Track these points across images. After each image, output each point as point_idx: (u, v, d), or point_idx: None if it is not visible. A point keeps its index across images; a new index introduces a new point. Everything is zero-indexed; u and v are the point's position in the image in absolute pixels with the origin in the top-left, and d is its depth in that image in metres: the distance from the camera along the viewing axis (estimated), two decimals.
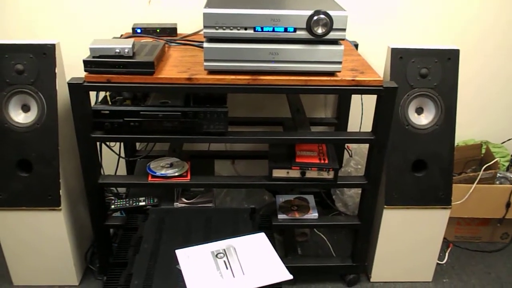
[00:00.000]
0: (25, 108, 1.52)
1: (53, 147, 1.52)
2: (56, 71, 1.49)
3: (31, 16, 1.86)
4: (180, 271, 1.22)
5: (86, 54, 1.36)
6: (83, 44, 1.79)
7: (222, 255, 1.28)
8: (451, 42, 1.97)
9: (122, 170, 2.03)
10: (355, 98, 1.99)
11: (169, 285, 1.19)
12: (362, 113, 2.00)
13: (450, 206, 1.66)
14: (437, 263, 1.83)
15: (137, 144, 2.06)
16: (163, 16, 1.88)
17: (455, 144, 1.83)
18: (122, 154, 1.95)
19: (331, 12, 1.29)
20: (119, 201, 1.63)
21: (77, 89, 1.37)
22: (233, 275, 1.21)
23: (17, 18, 1.87)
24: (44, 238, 1.62)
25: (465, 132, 2.15)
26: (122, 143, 1.96)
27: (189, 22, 1.88)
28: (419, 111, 1.61)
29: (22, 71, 1.48)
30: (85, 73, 1.36)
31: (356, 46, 1.85)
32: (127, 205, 1.60)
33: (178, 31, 1.82)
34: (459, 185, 1.87)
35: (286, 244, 1.90)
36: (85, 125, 1.42)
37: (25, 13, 1.86)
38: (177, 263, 1.25)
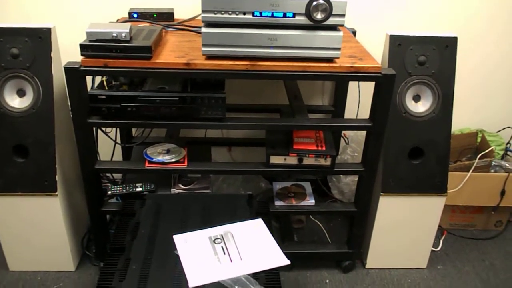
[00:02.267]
0: (21, 93, 1.51)
1: (49, 132, 1.51)
2: (52, 55, 1.47)
3: (27, 0, 1.84)
4: (177, 256, 1.22)
5: (81, 39, 1.34)
6: (78, 29, 1.78)
7: (219, 240, 1.28)
8: (450, 30, 1.97)
9: (118, 157, 2.03)
10: (352, 86, 1.99)
11: (166, 270, 1.19)
12: (359, 100, 2.00)
13: (445, 194, 1.67)
14: (432, 250, 1.84)
15: (133, 130, 2.05)
16: (160, 0, 1.86)
17: (451, 132, 1.84)
18: (118, 140, 1.94)
19: None
20: (115, 187, 1.62)
21: (74, 74, 1.35)
22: (231, 260, 1.22)
23: (12, 2, 1.84)
24: (40, 224, 1.61)
25: (461, 120, 2.15)
26: (118, 129, 1.94)
27: (186, 7, 1.86)
28: (417, 98, 1.61)
29: (18, 55, 1.46)
30: (82, 57, 1.34)
31: (354, 33, 1.84)
32: (124, 191, 1.60)
33: (175, 16, 1.80)
34: (454, 173, 1.88)
35: (282, 230, 1.91)
36: (82, 110, 1.41)
37: None
38: (175, 248, 1.25)
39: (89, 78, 1.44)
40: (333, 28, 1.35)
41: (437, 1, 1.94)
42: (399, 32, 1.55)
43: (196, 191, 1.63)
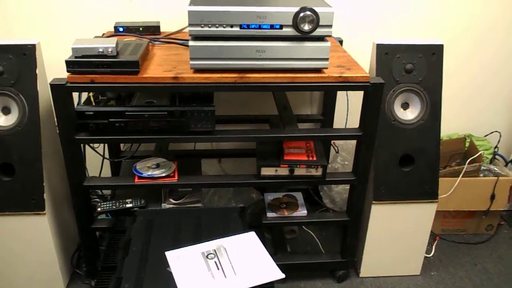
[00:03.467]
0: (6, 111, 1.48)
1: (35, 150, 1.48)
2: (37, 71, 1.45)
3: (10, 15, 1.81)
4: (170, 273, 1.20)
5: (67, 54, 1.32)
6: (63, 44, 1.76)
7: (212, 255, 1.27)
8: (435, 37, 1.99)
9: (107, 171, 2.00)
10: (340, 95, 1.99)
11: None
12: (347, 109, 2.00)
13: (437, 200, 1.68)
14: (425, 257, 1.85)
15: (122, 144, 2.03)
16: (146, 14, 1.85)
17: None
18: (106, 155, 1.91)
19: (317, 9, 1.29)
20: (105, 203, 1.60)
21: (60, 90, 1.33)
22: (225, 275, 1.20)
23: None
24: (28, 243, 1.58)
25: (449, 125, 2.17)
26: (106, 144, 1.92)
27: (173, 20, 1.85)
28: (405, 106, 1.62)
29: (2, 72, 1.44)
30: (68, 73, 1.33)
31: (341, 42, 1.85)
32: (114, 207, 1.58)
33: (162, 29, 1.79)
34: (444, 178, 1.89)
35: (275, 241, 1.89)
36: (69, 127, 1.39)
37: (4, 13, 1.80)
38: (168, 265, 1.23)
39: (75, 94, 1.42)
40: (321, 38, 1.35)
41: (424, 9, 1.96)
42: (385, 40, 1.56)
43: (187, 205, 1.62)
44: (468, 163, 1.93)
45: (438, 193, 1.67)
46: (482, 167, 1.98)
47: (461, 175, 1.90)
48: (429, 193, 1.66)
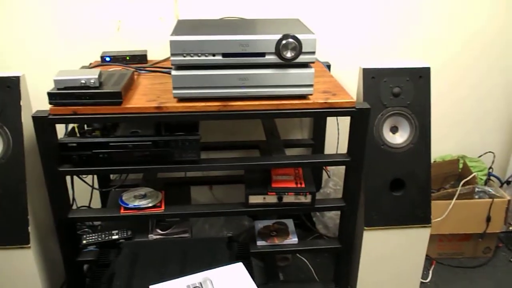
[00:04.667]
0: None
1: (20, 182, 1.46)
2: (22, 103, 1.44)
3: None
4: None
5: (52, 84, 1.32)
6: (51, 75, 1.76)
7: None
8: (423, 59, 1.98)
9: (97, 201, 1.97)
10: (331, 119, 1.98)
11: None
12: (338, 133, 1.99)
13: (430, 225, 1.64)
14: (421, 282, 1.81)
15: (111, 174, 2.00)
16: (133, 42, 1.85)
17: (432, 160, 1.83)
18: (96, 184, 1.89)
19: (299, 36, 1.28)
20: (91, 235, 1.57)
21: (42, 122, 1.32)
22: None
23: None
24: (13, 278, 1.54)
25: (442, 147, 2.15)
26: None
27: (160, 48, 1.85)
28: (394, 130, 1.60)
29: None
30: (50, 105, 1.32)
31: (329, 66, 1.85)
32: (99, 239, 1.54)
33: (149, 57, 1.79)
34: (438, 201, 1.87)
35: (267, 270, 1.85)
36: (52, 159, 1.37)
37: None
38: None
39: (62, 125, 1.41)
40: (304, 65, 1.34)
41: (410, 33, 1.96)
42: (372, 65, 1.56)
43: (174, 236, 1.59)
44: (462, 185, 1.91)
45: (431, 218, 1.64)
46: (477, 189, 1.95)
47: (455, 198, 1.88)
48: (421, 218, 1.63)
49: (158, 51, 1.84)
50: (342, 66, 1.94)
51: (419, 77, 1.57)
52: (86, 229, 1.98)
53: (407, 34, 1.97)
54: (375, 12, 1.92)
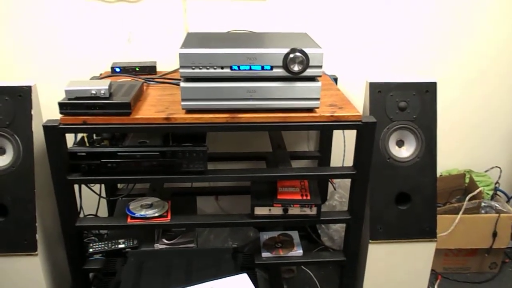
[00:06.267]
0: (1, 151, 1.49)
1: (29, 190, 1.48)
2: (33, 112, 1.47)
3: (10, 57, 1.85)
4: None
5: (63, 94, 1.34)
6: (62, 85, 1.78)
7: None
8: (429, 73, 2.00)
9: (104, 209, 1.99)
10: (337, 131, 1.99)
11: None
12: (344, 146, 1.99)
13: (435, 239, 1.64)
14: None
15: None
16: (143, 53, 1.88)
17: (438, 174, 1.83)
18: (104, 193, 1.91)
19: (306, 50, 1.30)
20: (97, 244, 1.58)
21: (53, 132, 1.34)
22: None
23: None
24: (20, 284, 1.55)
25: (448, 161, 2.15)
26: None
27: (169, 59, 1.88)
28: (400, 143, 1.61)
29: None
30: (61, 115, 1.34)
31: (336, 80, 1.86)
32: (106, 248, 1.56)
33: (158, 69, 1.82)
34: (444, 216, 1.86)
35: (272, 282, 1.86)
36: (61, 168, 1.39)
37: (3, 54, 1.85)
38: None
39: (71, 134, 1.43)
40: (311, 79, 1.36)
41: (418, 46, 1.98)
42: (378, 79, 1.57)
43: (180, 245, 1.59)
44: (468, 200, 1.90)
45: (436, 232, 1.64)
46: (483, 204, 1.94)
47: (461, 212, 1.87)
48: (427, 232, 1.63)
49: (167, 63, 1.87)
50: (349, 79, 1.95)
51: (426, 92, 1.58)
52: (93, 237, 2.00)
53: (414, 48, 1.98)
54: (383, 26, 1.94)
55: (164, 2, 1.82)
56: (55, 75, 1.88)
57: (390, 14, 1.92)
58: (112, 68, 1.75)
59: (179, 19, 1.85)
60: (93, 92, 1.33)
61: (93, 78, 1.76)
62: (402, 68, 2.01)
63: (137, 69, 1.76)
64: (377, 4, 1.91)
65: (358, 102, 1.53)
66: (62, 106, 1.33)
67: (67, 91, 1.33)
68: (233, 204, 2.18)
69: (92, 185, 1.72)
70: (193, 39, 1.46)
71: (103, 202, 1.95)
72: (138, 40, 1.87)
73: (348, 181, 1.97)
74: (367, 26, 1.94)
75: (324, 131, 1.96)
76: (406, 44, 1.97)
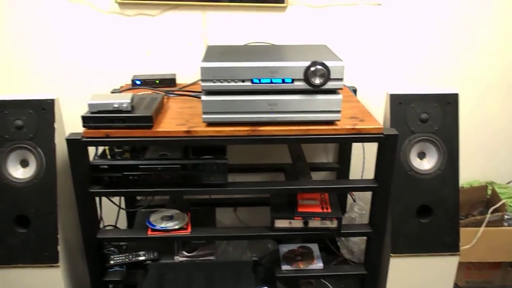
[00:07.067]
0: (24, 163, 1.51)
1: (51, 202, 1.50)
2: (55, 125, 1.49)
3: (31, 71, 1.88)
4: None
5: (85, 107, 1.36)
6: (83, 97, 1.80)
7: None
8: (449, 83, 1.98)
9: (123, 220, 2.00)
10: (356, 143, 1.98)
11: None
12: (364, 157, 1.98)
13: (458, 253, 1.61)
14: None
15: None
16: (163, 66, 1.90)
17: (460, 186, 1.80)
18: (123, 204, 1.92)
19: (328, 63, 1.30)
20: (118, 256, 1.59)
21: (76, 145, 1.36)
22: None
23: (16, 73, 1.89)
24: None
25: (469, 173, 2.12)
26: None
27: (188, 71, 1.89)
28: (421, 155, 1.59)
29: (22, 126, 1.48)
30: (84, 128, 1.36)
31: (355, 91, 1.85)
32: (127, 260, 1.56)
33: (178, 81, 1.83)
34: (466, 228, 1.83)
35: None
36: (84, 180, 1.40)
37: (25, 68, 1.88)
38: None
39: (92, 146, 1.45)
40: (332, 91, 1.35)
41: (439, 57, 1.96)
42: (399, 90, 1.56)
43: (200, 258, 1.59)
44: (491, 213, 1.87)
45: (459, 245, 1.61)
46: (506, 216, 1.91)
47: (483, 225, 1.84)
48: (449, 246, 1.61)
49: (186, 75, 1.88)
50: (368, 91, 1.94)
51: (447, 103, 1.56)
52: (112, 249, 2.00)
53: (434, 59, 1.97)
54: (402, 36, 1.93)
55: (183, 15, 1.84)
56: (75, 87, 1.90)
57: (407, 24, 1.91)
58: (133, 81, 1.76)
59: (198, 31, 1.86)
60: (116, 105, 1.35)
61: (113, 90, 1.78)
62: (420, 78, 1.99)
63: (157, 81, 1.77)
64: (395, 15, 1.90)
65: (377, 114, 1.52)
66: (85, 119, 1.35)
67: (90, 105, 1.35)
68: (250, 215, 2.17)
69: (111, 196, 1.74)
70: (213, 52, 1.46)
71: (122, 213, 1.96)
72: (157, 53, 1.89)
73: (368, 193, 1.96)
74: (385, 37, 1.93)
75: (344, 143, 1.94)
76: (424, 53, 1.96)
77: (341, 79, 1.32)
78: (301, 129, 1.37)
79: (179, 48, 1.88)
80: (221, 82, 1.31)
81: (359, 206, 1.97)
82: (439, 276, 1.65)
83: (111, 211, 1.86)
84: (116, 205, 1.75)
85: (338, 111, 1.36)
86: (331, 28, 1.90)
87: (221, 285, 1.36)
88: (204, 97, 1.33)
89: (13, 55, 1.86)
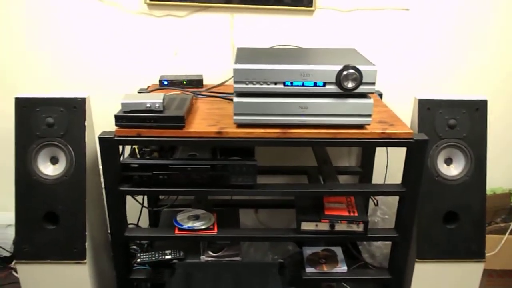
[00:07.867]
0: (54, 160, 1.53)
1: (80, 199, 1.52)
2: (86, 124, 1.51)
3: (63, 70, 1.91)
4: None
5: (114, 106, 1.37)
6: (111, 97, 1.83)
7: None
8: (476, 89, 1.97)
9: (145, 219, 2.01)
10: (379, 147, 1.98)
11: None
12: (387, 162, 1.97)
13: (484, 259, 1.60)
14: None
15: None
16: (189, 66, 1.91)
17: None
18: (146, 203, 1.93)
19: (360, 67, 1.30)
20: (144, 254, 1.60)
21: (108, 143, 1.37)
22: None
23: (47, 73, 1.91)
24: None
25: (492, 179, 2.09)
26: None
27: (215, 73, 1.90)
28: (449, 161, 1.59)
29: (53, 124, 1.50)
30: (116, 127, 1.37)
31: (380, 95, 1.86)
32: (153, 258, 1.58)
33: (204, 82, 1.84)
34: (490, 236, 1.82)
35: None
36: (114, 178, 1.42)
37: (54, 67, 1.90)
38: None
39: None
40: (364, 95, 1.36)
41: (466, 63, 1.95)
42: (427, 96, 1.56)
43: (226, 258, 1.60)
44: None
45: (485, 252, 1.60)
46: None
47: (508, 233, 1.83)
48: (475, 252, 1.60)
49: (213, 76, 1.90)
50: (393, 95, 1.94)
51: (476, 110, 1.56)
52: (134, 247, 2.02)
53: (461, 65, 1.96)
54: (429, 42, 1.93)
55: (211, 17, 1.85)
56: (103, 87, 1.92)
57: (434, 30, 1.91)
58: (160, 81, 1.78)
59: (225, 33, 1.88)
60: (148, 105, 1.36)
61: (140, 90, 1.80)
62: (446, 84, 1.99)
63: (184, 82, 1.79)
64: (422, 20, 1.90)
65: (403, 119, 1.52)
66: (118, 118, 1.36)
67: (123, 104, 1.36)
68: (271, 217, 2.18)
69: (139, 195, 1.75)
70: (244, 54, 1.48)
71: (144, 211, 1.97)
72: (184, 54, 1.91)
73: (391, 198, 1.95)
74: (412, 42, 1.92)
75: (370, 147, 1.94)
76: (451, 60, 1.95)
77: (373, 83, 1.32)
78: (331, 132, 1.37)
79: (206, 49, 1.90)
80: (254, 84, 1.32)
81: (382, 211, 1.97)
82: (464, 283, 1.64)
83: (131, 210, 1.87)
84: (140, 203, 1.77)
85: (369, 115, 1.36)
86: (358, 32, 1.90)
87: (248, 286, 1.36)
88: (236, 99, 1.34)
89: (44, 55, 1.89)
